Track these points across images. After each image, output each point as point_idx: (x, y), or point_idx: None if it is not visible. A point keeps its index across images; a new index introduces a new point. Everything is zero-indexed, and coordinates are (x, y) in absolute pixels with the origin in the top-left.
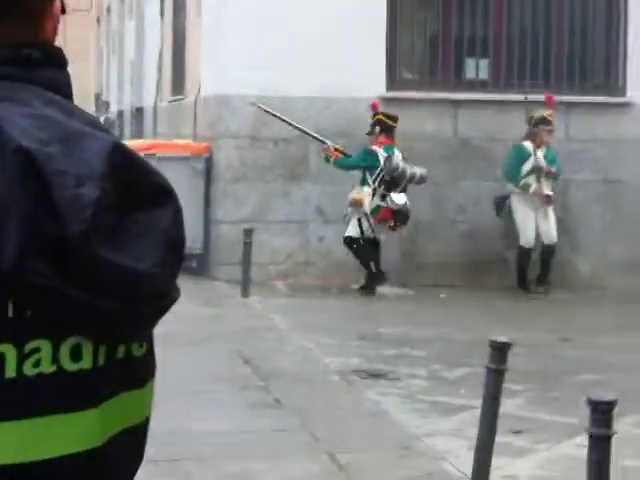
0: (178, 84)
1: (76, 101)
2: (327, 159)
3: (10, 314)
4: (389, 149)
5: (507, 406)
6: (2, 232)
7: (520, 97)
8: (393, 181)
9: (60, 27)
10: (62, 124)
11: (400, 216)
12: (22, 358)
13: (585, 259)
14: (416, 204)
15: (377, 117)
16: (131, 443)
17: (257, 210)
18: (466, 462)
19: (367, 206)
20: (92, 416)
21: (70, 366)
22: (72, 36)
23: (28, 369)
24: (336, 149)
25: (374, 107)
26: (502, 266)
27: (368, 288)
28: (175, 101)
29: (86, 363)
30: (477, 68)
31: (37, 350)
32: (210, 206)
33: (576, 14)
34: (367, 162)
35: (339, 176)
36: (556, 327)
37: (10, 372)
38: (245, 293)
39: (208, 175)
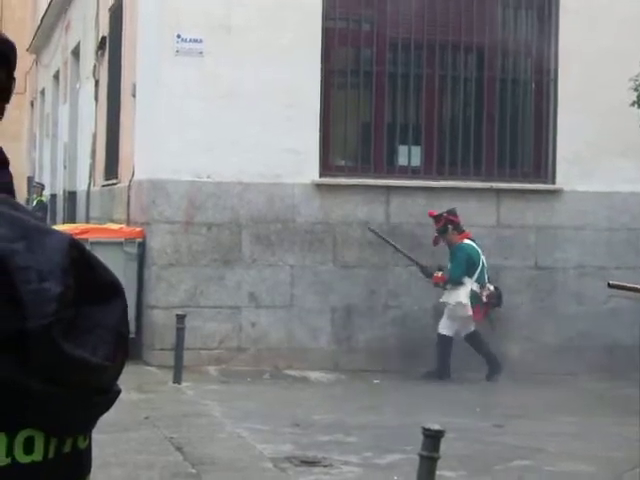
0: (111, 168)
1: None
2: (438, 285)
3: None
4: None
5: None
6: None
7: (451, 184)
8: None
9: None
10: (21, 221)
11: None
12: None
13: (515, 344)
14: (349, 290)
15: (444, 217)
16: None
17: (190, 295)
18: None
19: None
20: None
21: (23, 459)
22: (5, 117)
23: None
24: (441, 273)
25: (431, 215)
26: (434, 351)
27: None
28: (108, 185)
29: (37, 456)
30: (409, 155)
31: None
32: (143, 291)
33: (507, 102)
34: (470, 257)
35: (271, 262)
36: (488, 413)
37: None
38: (177, 379)
39: (141, 260)
